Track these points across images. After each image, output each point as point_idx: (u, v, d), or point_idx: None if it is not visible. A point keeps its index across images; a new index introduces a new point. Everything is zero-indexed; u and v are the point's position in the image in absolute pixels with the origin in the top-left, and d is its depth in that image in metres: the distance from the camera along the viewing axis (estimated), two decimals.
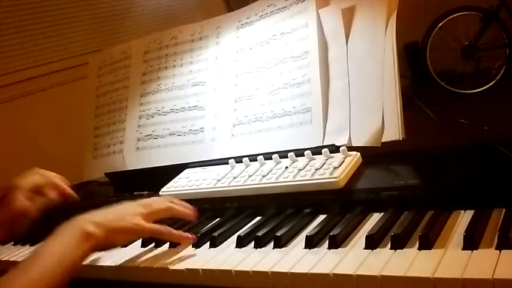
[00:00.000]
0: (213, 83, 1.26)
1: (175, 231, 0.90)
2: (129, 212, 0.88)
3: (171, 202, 0.94)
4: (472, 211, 0.75)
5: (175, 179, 1.13)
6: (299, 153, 0.99)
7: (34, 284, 0.74)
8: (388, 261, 0.68)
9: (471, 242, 0.66)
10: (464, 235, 0.67)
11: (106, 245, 0.85)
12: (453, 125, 1.05)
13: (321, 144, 1.02)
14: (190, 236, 0.90)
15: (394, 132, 0.94)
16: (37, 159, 2.16)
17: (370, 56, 1.01)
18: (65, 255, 0.79)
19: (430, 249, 0.68)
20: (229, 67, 1.24)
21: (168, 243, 0.94)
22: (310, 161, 0.96)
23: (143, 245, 0.97)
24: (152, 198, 0.95)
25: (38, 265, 0.77)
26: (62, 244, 0.80)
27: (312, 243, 0.78)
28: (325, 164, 0.93)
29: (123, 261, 0.93)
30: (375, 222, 0.79)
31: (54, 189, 1.12)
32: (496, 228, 0.68)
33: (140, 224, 0.87)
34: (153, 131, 1.33)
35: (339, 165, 0.91)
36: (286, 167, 0.97)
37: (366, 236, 0.74)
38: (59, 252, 0.79)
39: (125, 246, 0.98)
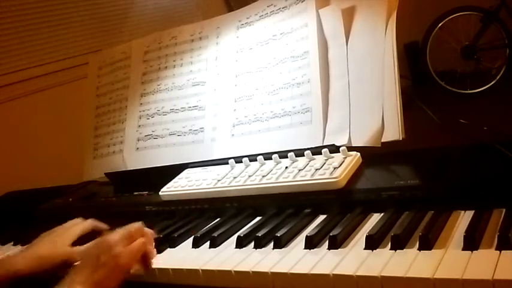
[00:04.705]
0: (213, 83, 1.26)
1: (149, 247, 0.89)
2: (106, 252, 0.85)
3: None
4: (472, 211, 0.75)
5: (175, 179, 1.13)
6: (299, 153, 0.99)
7: None
8: (388, 262, 0.68)
9: (471, 242, 0.66)
10: (464, 235, 0.67)
11: None
12: (453, 125, 1.05)
13: (321, 144, 1.02)
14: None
15: (394, 132, 0.94)
16: (37, 159, 2.17)
17: (370, 56, 1.01)
18: None
19: (430, 249, 0.68)
20: (229, 67, 1.24)
21: (168, 245, 0.94)
22: (310, 161, 0.96)
23: None
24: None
25: None
26: None
27: (312, 243, 0.78)
28: (325, 164, 0.93)
29: None
30: (375, 223, 0.79)
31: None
32: (496, 229, 0.68)
33: (118, 259, 0.84)
34: (153, 131, 1.33)
35: (339, 166, 0.91)
36: (286, 167, 0.97)
37: (366, 236, 0.74)
38: None
39: None
